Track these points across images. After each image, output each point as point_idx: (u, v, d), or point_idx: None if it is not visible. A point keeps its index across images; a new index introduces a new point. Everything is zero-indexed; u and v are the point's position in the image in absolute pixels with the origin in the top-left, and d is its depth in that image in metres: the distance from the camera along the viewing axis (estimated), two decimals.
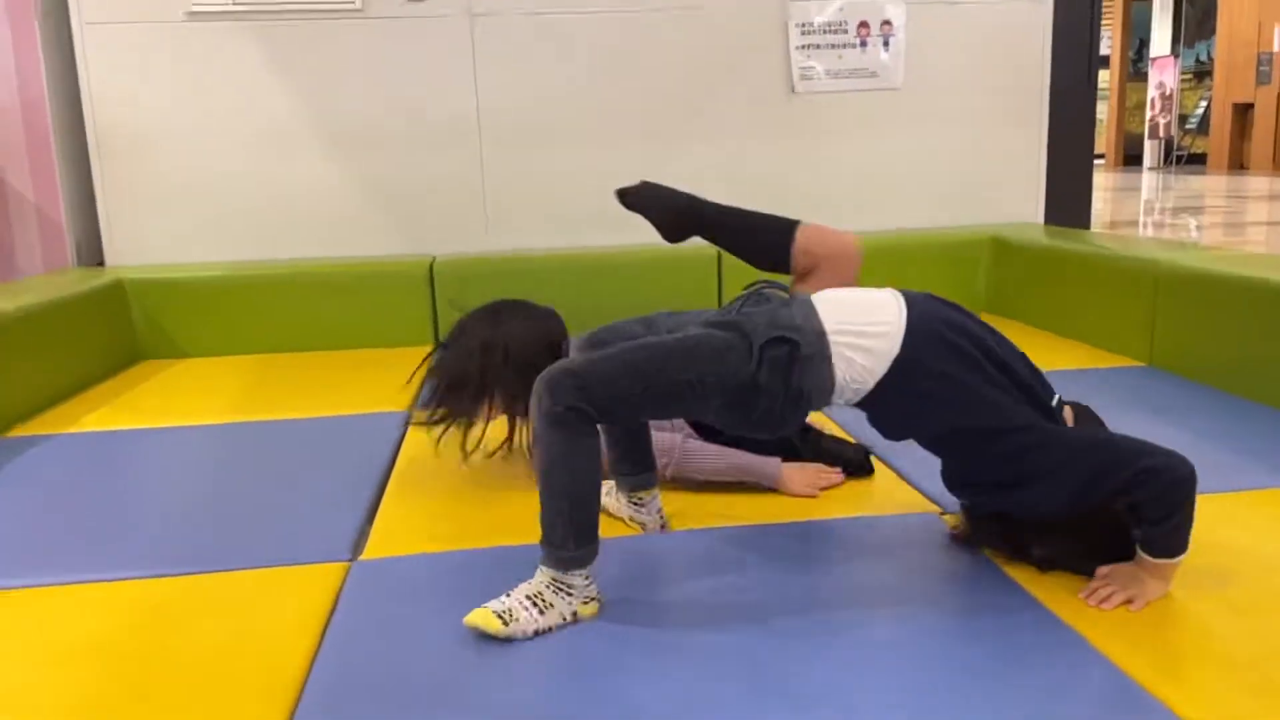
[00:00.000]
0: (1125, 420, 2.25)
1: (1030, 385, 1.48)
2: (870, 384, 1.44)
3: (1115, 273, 2.94)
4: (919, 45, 3.83)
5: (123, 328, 3.33)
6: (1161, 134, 17.40)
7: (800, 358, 1.41)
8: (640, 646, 1.36)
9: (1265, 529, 1.67)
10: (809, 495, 1.88)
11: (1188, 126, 17.77)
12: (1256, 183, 13.16)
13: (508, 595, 1.42)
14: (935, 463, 1.61)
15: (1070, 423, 1.53)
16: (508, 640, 1.36)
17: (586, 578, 1.43)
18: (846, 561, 1.62)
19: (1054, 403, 1.51)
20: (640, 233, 3.57)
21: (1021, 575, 1.51)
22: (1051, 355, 2.93)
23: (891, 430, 1.55)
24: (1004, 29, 3.88)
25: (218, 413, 2.64)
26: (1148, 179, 15.42)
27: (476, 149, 3.71)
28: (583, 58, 3.69)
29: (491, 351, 1.93)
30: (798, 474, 1.90)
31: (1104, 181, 14.15)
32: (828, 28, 3.77)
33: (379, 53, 3.61)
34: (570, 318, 3.51)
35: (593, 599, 1.45)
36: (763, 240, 1.77)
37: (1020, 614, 1.41)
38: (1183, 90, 17.50)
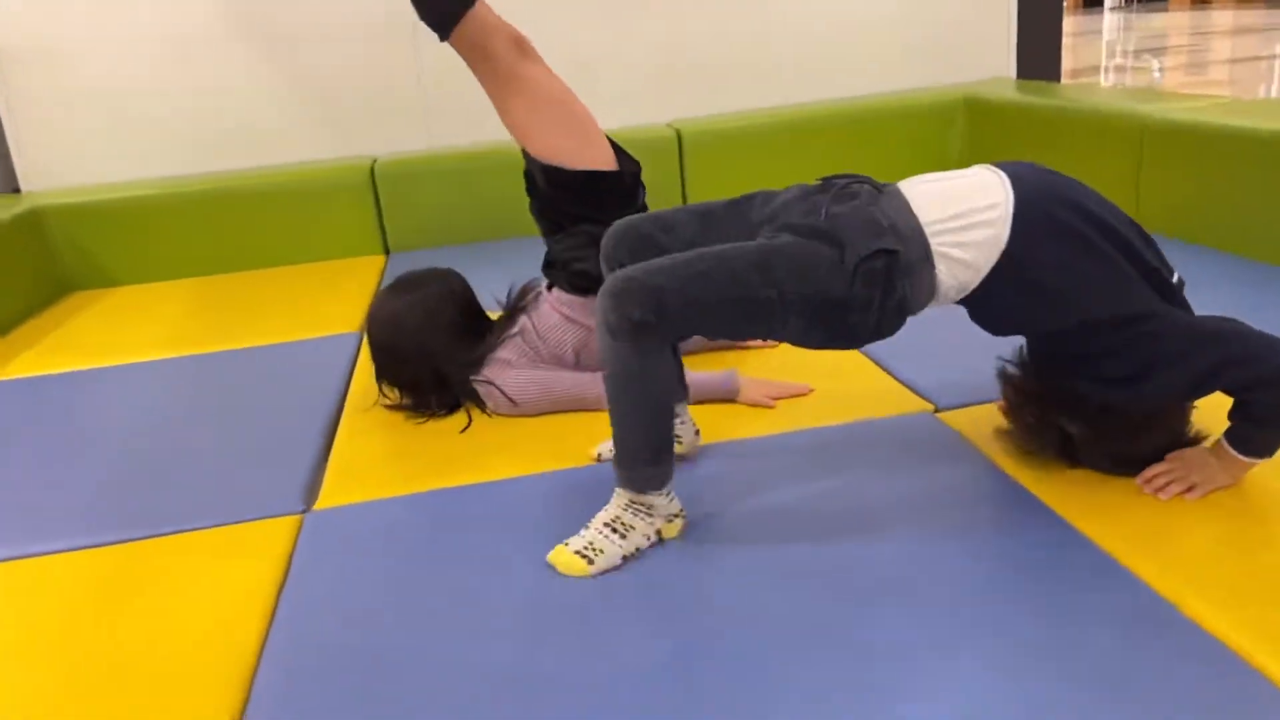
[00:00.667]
0: None
1: (1152, 265, 1.31)
2: (975, 281, 1.28)
3: (1098, 129, 2.78)
4: None
5: (45, 259, 3.09)
6: None
7: (900, 266, 1.26)
8: (645, 595, 1.25)
9: None
10: (766, 405, 1.75)
11: None
12: (1220, 16, 12.86)
13: (585, 528, 1.33)
14: (920, 350, 1.49)
15: None
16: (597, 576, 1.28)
17: (667, 494, 1.33)
18: (855, 479, 1.50)
19: (1175, 280, 1.34)
20: (598, 119, 3.31)
21: (1030, 480, 1.41)
22: None
23: (998, 326, 1.38)
24: None
25: (154, 347, 2.46)
26: (1108, 18, 15.03)
27: (410, 39, 3.43)
28: None
29: (401, 324, 1.81)
30: (758, 386, 1.78)
31: (1065, 25, 13.78)
32: None
33: None
34: (526, 215, 3.34)
35: (676, 515, 1.35)
36: None
37: (1043, 530, 1.31)
38: None
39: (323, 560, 1.40)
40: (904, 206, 1.30)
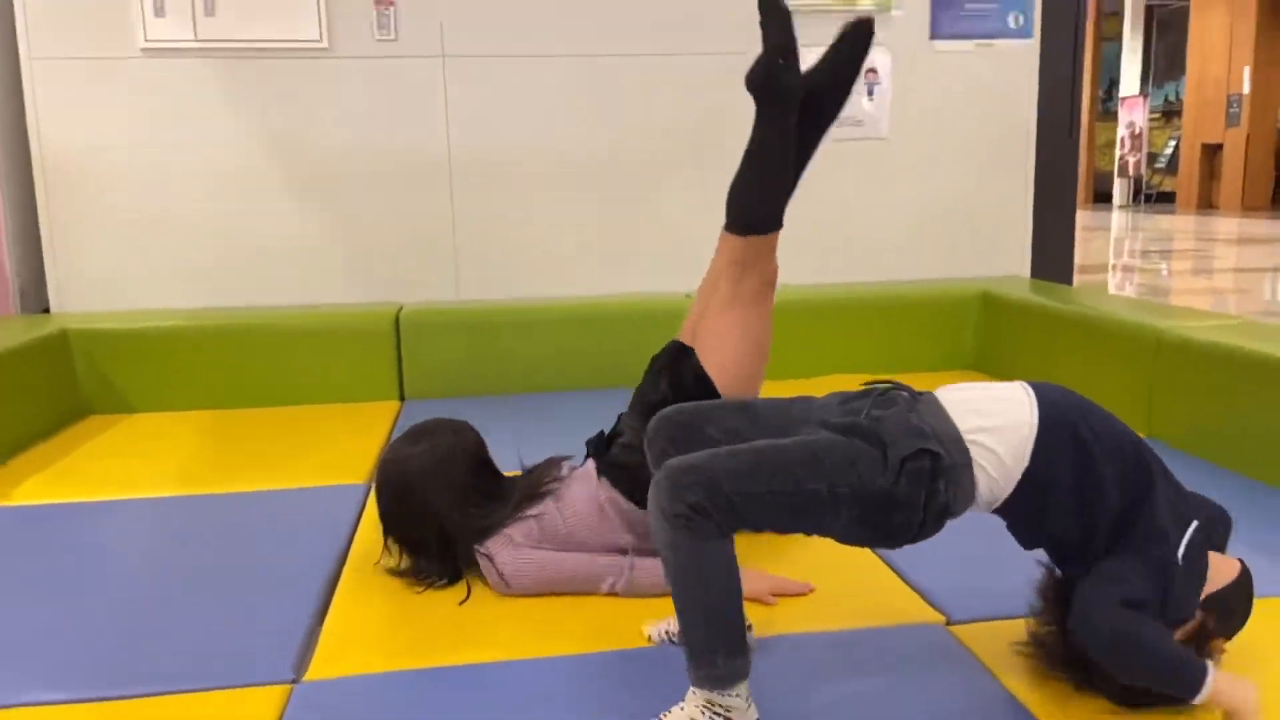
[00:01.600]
0: None
1: (1135, 506, 1.34)
2: (1003, 496, 1.34)
3: (1112, 337, 2.83)
4: (905, 93, 3.73)
5: (67, 381, 3.12)
6: (1131, 172, 17.56)
7: (944, 469, 1.29)
8: None
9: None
10: (765, 602, 1.70)
11: (1156, 165, 17.94)
12: (1225, 224, 13.27)
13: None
14: (935, 555, 1.47)
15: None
16: None
17: (745, 697, 1.28)
18: (857, 696, 1.46)
19: (1191, 529, 1.36)
20: (614, 283, 3.39)
21: (1042, 710, 1.36)
22: None
23: (1023, 539, 1.42)
24: (990, 75, 3.80)
25: (161, 483, 2.44)
26: (1117, 217, 15.53)
27: (447, 193, 3.56)
28: (559, 101, 3.56)
29: (408, 473, 1.80)
30: (758, 580, 1.73)
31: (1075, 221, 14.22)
32: None
33: (347, 93, 3.45)
34: (544, 372, 3.38)
35: (746, 709, 1.30)
36: None
37: None
38: (1151, 129, 17.69)
39: None
40: (942, 413, 1.35)
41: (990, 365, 3.51)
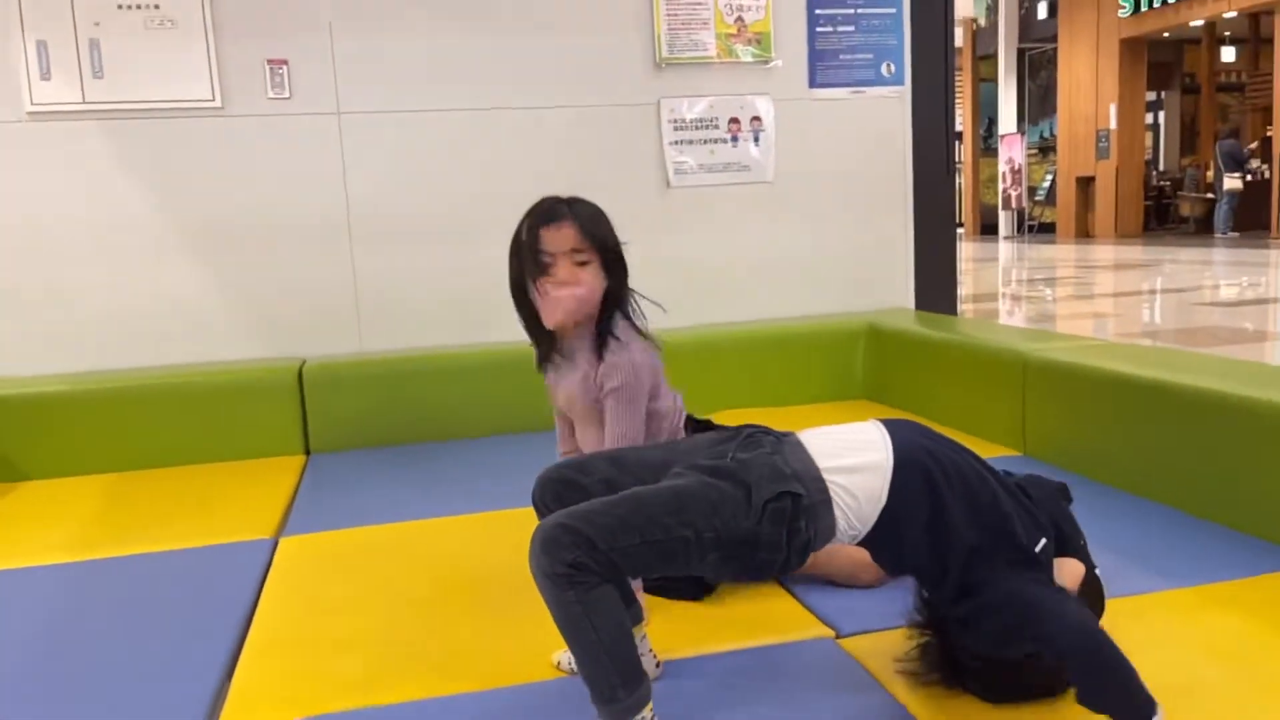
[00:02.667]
0: None
1: (1002, 526, 1.43)
2: (863, 530, 1.42)
3: (986, 363, 3.02)
4: (788, 139, 3.92)
5: None
6: (1014, 205, 18.44)
7: (804, 508, 1.37)
8: None
9: (1149, 637, 1.67)
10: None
11: (1037, 198, 18.90)
12: (1101, 251, 14.03)
13: None
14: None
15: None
16: None
17: (649, 718, 1.35)
18: (758, 712, 1.54)
19: (1039, 546, 1.45)
20: (517, 331, 3.46)
21: (926, 714, 1.47)
22: None
23: (889, 569, 1.53)
24: (867, 120, 4.02)
25: (57, 550, 2.40)
26: (1004, 248, 16.26)
27: (347, 246, 3.59)
28: (453, 155, 3.63)
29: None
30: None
31: (964, 251, 14.87)
32: (699, 123, 3.82)
33: (242, 151, 3.47)
34: (453, 419, 3.42)
35: None
36: None
37: None
38: (1030, 164, 18.64)
39: None
40: (803, 454, 1.43)
41: (878, 393, 3.68)
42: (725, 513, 1.35)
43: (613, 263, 1.83)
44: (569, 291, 1.78)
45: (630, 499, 1.36)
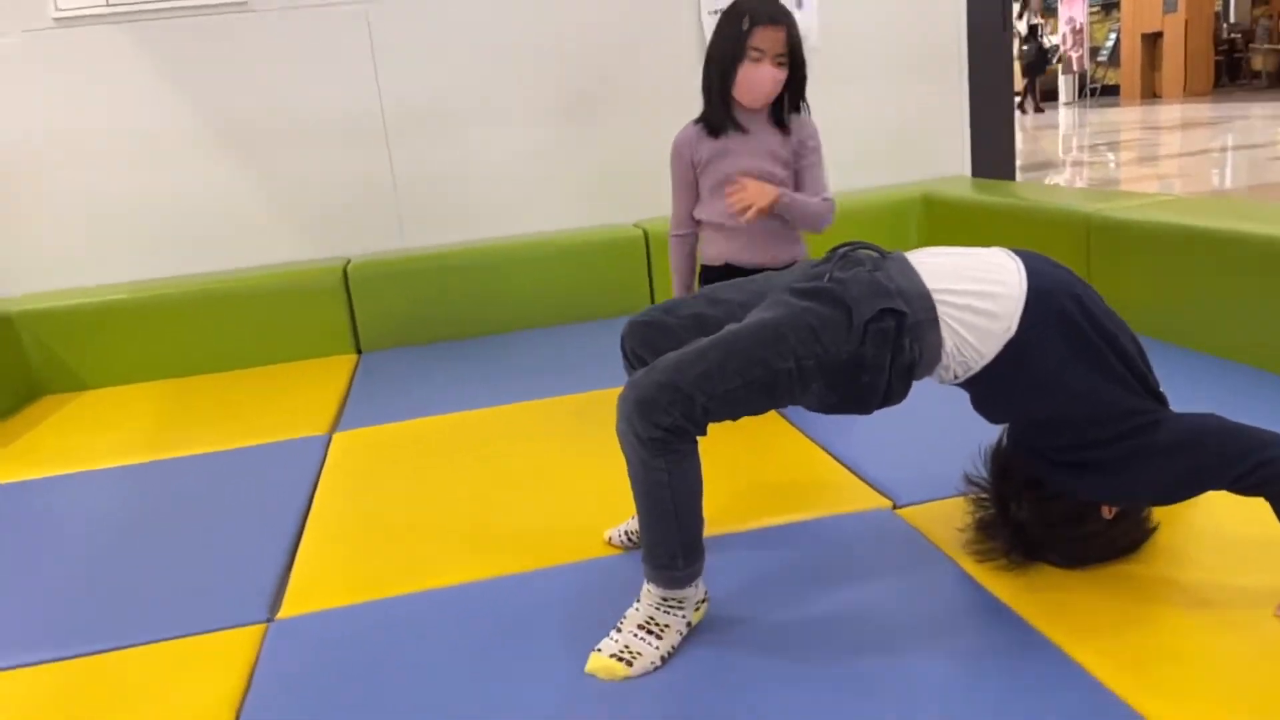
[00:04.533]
0: None
1: (1142, 369, 1.34)
2: (980, 365, 1.30)
3: (1047, 227, 2.89)
4: (835, 3, 3.72)
5: (16, 364, 3.10)
6: (1075, 68, 17.60)
7: (908, 327, 1.27)
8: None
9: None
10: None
11: (1099, 59, 17.99)
12: (1168, 111, 13.37)
13: (618, 630, 1.32)
14: (877, 443, 1.50)
15: None
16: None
17: (695, 585, 1.34)
18: (816, 582, 1.51)
19: (1159, 389, 1.37)
20: (559, 218, 3.43)
21: (991, 580, 1.43)
22: None
23: (994, 412, 1.41)
24: None
25: (121, 453, 2.45)
26: (1064, 114, 15.59)
27: (383, 143, 3.52)
28: (487, 39, 3.51)
29: None
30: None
31: (1023, 120, 14.28)
32: None
33: (270, 49, 3.39)
34: (499, 313, 3.39)
35: (702, 601, 1.36)
36: None
37: (1005, 633, 1.33)
38: (1092, 23, 17.70)
39: (286, 675, 1.39)
40: (910, 271, 1.32)
41: None
42: (826, 337, 1.25)
43: (798, 67, 2.25)
44: (773, 75, 2.19)
45: (724, 341, 1.27)
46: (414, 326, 3.36)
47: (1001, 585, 1.41)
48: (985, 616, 1.35)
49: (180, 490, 2.18)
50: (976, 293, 1.29)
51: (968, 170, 4.00)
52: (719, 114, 2.26)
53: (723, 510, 1.74)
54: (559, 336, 3.24)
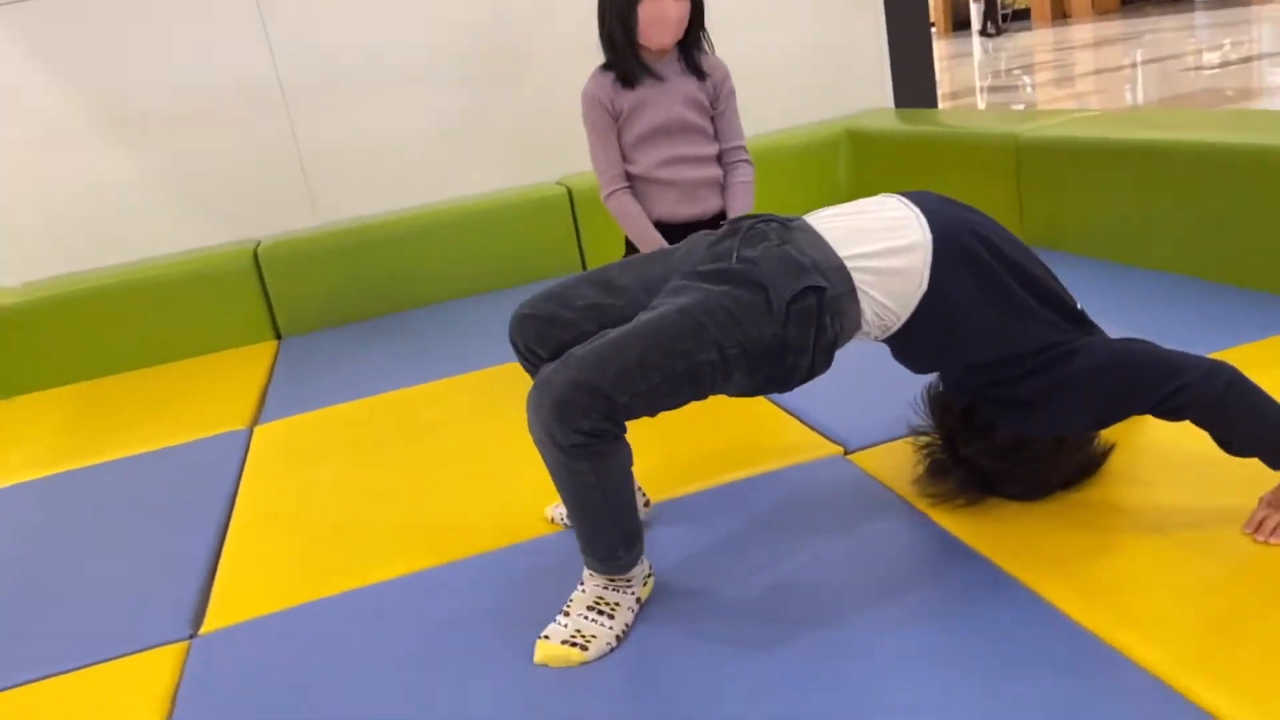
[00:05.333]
0: None
1: (1057, 293, 1.30)
2: (898, 323, 1.26)
3: (976, 151, 2.84)
4: None
5: None
6: None
7: (828, 302, 1.20)
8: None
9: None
10: None
11: None
12: (1080, 31, 13.49)
13: (565, 614, 1.24)
14: (823, 392, 1.45)
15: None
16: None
17: (641, 562, 1.27)
18: (778, 535, 1.44)
19: (1079, 307, 1.34)
20: (479, 182, 3.27)
21: (946, 518, 1.38)
22: None
23: (918, 363, 1.37)
24: None
25: (24, 467, 2.29)
26: (978, 42, 15.66)
27: (284, 114, 3.34)
28: (382, 2, 3.34)
29: None
30: None
31: (937, 50, 14.29)
32: None
33: (158, 26, 3.17)
34: (423, 285, 3.26)
35: (648, 576, 1.30)
36: None
37: (966, 570, 1.28)
38: None
39: (212, 692, 1.28)
40: (819, 241, 1.25)
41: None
42: (747, 323, 1.17)
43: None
44: (676, 10, 2.05)
45: (641, 334, 1.17)
46: (335, 307, 3.22)
47: (960, 525, 1.36)
48: (948, 559, 1.30)
49: (91, 502, 2.04)
50: (885, 251, 1.24)
51: (890, 102, 3.94)
52: (628, 61, 2.12)
53: (671, 472, 1.67)
54: (488, 304, 3.12)
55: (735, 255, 1.25)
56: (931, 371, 1.40)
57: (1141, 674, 1.03)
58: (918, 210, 1.27)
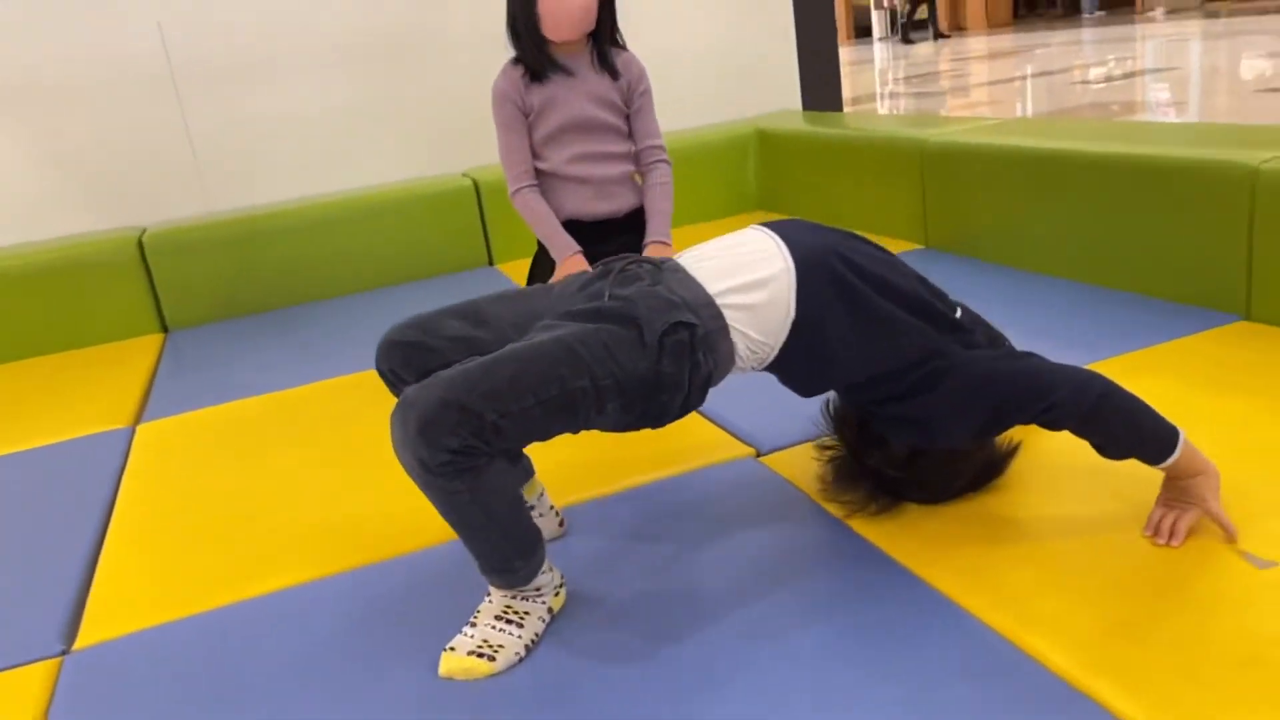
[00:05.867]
0: None
1: (935, 307, 1.31)
2: (772, 354, 1.28)
3: (884, 155, 2.87)
4: None
5: None
6: (886, 4, 18.09)
7: (700, 339, 1.21)
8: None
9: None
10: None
11: None
12: (975, 43, 13.95)
13: (472, 625, 1.18)
14: (735, 394, 1.44)
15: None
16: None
17: (547, 569, 1.22)
18: (693, 537, 1.42)
19: (958, 315, 1.35)
20: (380, 172, 3.18)
21: (859, 521, 1.38)
22: None
23: (802, 389, 1.37)
24: None
25: None
26: (879, 49, 16.04)
27: (173, 96, 3.17)
28: None
29: None
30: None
31: (839, 55, 14.58)
32: None
33: None
34: (322, 278, 3.14)
35: (560, 586, 1.25)
36: None
37: (877, 574, 1.27)
38: None
39: (89, 712, 1.19)
40: (690, 280, 1.26)
41: (773, 202, 3.53)
42: (621, 355, 1.16)
43: None
44: (581, 5, 1.96)
45: (512, 357, 1.14)
46: (226, 299, 3.08)
47: (870, 529, 1.36)
48: (858, 562, 1.30)
49: None
50: (751, 284, 1.26)
51: (799, 104, 3.97)
52: (534, 55, 2.04)
53: (582, 476, 1.63)
54: (390, 298, 3.03)
55: (608, 295, 1.25)
56: (815, 395, 1.41)
57: (1049, 677, 1.04)
58: (779, 240, 1.29)
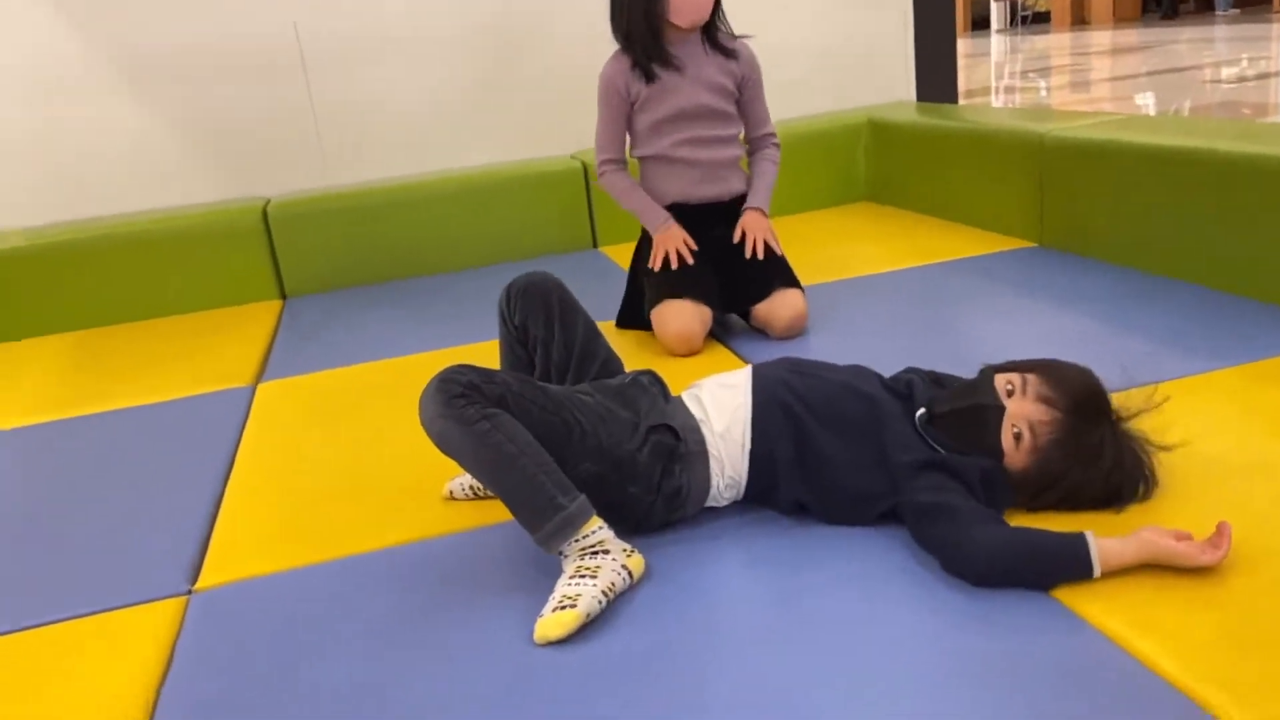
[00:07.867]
0: (1019, 311, 2.15)
1: (875, 420, 1.36)
2: (742, 481, 1.39)
3: (999, 149, 2.81)
4: None
5: None
6: None
7: (681, 455, 1.35)
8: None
9: (1203, 421, 1.55)
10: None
11: None
12: (1098, 37, 13.42)
13: (551, 597, 1.22)
14: None
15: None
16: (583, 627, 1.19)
17: (601, 526, 1.26)
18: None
19: (917, 416, 1.37)
20: (492, 152, 3.23)
21: None
22: (937, 242, 2.81)
23: (783, 509, 1.40)
24: None
25: (23, 412, 2.27)
26: (996, 42, 15.57)
27: (300, 74, 3.30)
28: None
29: None
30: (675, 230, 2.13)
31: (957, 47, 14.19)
32: None
33: None
34: (431, 253, 3.23)
35: (629, 550, 1.28)
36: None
37: None
38: None
39: (209, 650, 1.27)
40: (685, 410, 1.41)
41: (882, 193, 3.48)
42: (613, 425, 1.34)
43: None
44: None
45: (531, 380, 1.36)
46: (341, 269, 3.19)
47: None
48: None
49: (91, 451, 2.02)
50: (728, 423, 1.38)
51: (913, 95, 3.90)
52: (650, 49, 2.10)
53: None
54: (496, 276, 3.08)
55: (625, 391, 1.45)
56: (796, 513, 1.40)
57: (1159, 682, 1.02)
58: (750, 376, 1.43)
